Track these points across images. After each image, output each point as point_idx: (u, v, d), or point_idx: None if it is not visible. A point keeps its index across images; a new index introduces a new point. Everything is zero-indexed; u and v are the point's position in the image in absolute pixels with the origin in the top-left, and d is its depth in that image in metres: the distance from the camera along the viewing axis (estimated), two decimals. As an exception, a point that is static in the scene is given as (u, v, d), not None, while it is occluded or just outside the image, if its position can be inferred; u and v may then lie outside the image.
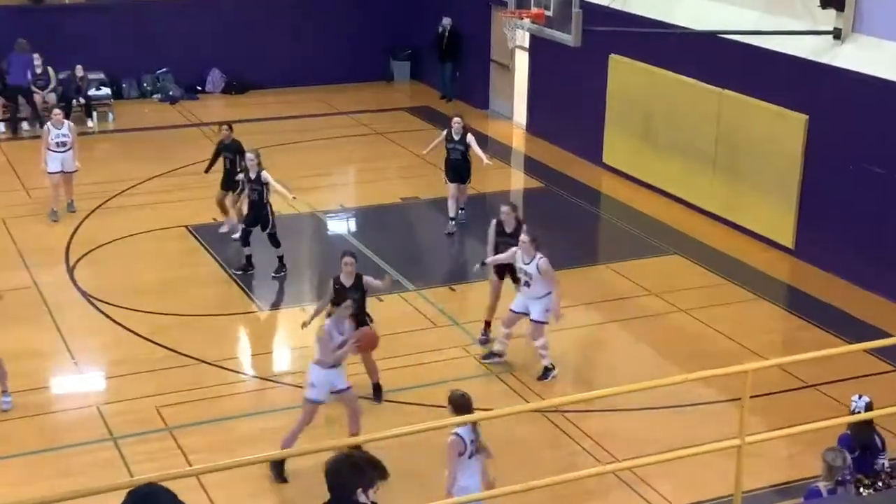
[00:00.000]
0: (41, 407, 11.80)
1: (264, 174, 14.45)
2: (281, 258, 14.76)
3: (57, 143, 16.68)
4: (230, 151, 15.95)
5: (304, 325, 11.70)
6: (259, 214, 14.58)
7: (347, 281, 11.49)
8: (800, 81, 15.39)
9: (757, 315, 14.18)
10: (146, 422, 11.29)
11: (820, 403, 11.67)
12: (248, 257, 14.78)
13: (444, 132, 16.39)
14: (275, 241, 14.68)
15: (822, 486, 7.96)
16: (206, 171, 16.51)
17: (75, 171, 16.96)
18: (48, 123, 17.08)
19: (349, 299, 10.93)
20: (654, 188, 18.23)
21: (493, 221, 13.01)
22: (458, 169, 16.29)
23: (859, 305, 14.16)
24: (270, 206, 14.64)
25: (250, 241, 14.71)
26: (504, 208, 12.97)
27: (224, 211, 16.10)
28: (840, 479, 7.91)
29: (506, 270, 12.88)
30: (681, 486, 10.12)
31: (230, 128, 16.25)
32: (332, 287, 11.51)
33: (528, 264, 11.98)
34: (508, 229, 12.79)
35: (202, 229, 16.16)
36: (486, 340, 12.98)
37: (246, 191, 14.82)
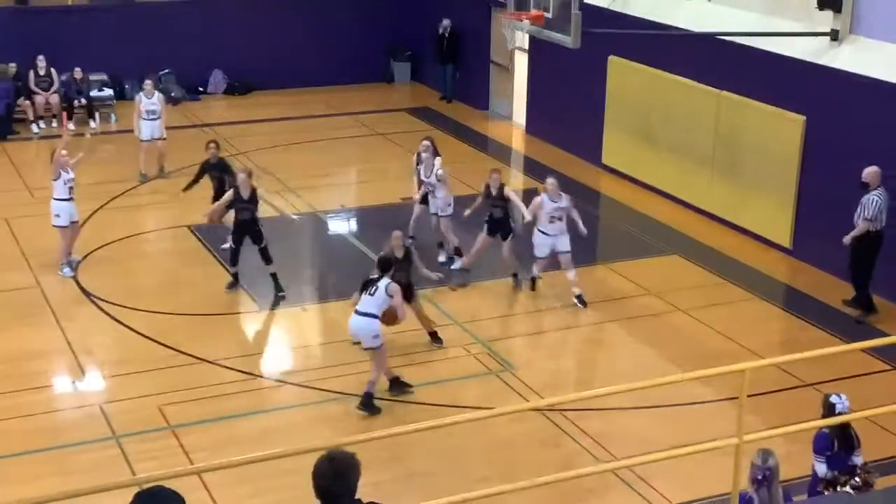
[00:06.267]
0: (44, 406, 11.87)
1: (260, 191, 14.24)
2: (274, 275, 14.30)
3: (147, 112, 18.46)
4: (217, 170, 15.73)
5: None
6: (251, 230, 14.12)
7: (399, 253, 12.78)
8: (797, 83, 15.46)
9: (755, 314, 14.24)
10: (148, 421, 11.35)
11: (817, 402, 11.64)
12: (235, 275, 14.41)
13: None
14: (267, 256, 14.26)
15: (745, 489, 7.98)
16: (185, 189, 16.04)
17: (164, 138, 18.68)
18: (140, 93, 18.77)
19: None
20: (653, 189, 18.31)
21: (484, 184, 14.63)
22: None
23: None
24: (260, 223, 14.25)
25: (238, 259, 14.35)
26: (494, 175, 14.52)
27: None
28: (754, 478, 7.95)
29: (498, 229, 14.51)
30: (679, 485, 10.19)
31: (217, 146, 15.96)
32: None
33: (557, 202, 14.09)
34: (494, 192, 14.42)
35: (204, 230, 16.17)
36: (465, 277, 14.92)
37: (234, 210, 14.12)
